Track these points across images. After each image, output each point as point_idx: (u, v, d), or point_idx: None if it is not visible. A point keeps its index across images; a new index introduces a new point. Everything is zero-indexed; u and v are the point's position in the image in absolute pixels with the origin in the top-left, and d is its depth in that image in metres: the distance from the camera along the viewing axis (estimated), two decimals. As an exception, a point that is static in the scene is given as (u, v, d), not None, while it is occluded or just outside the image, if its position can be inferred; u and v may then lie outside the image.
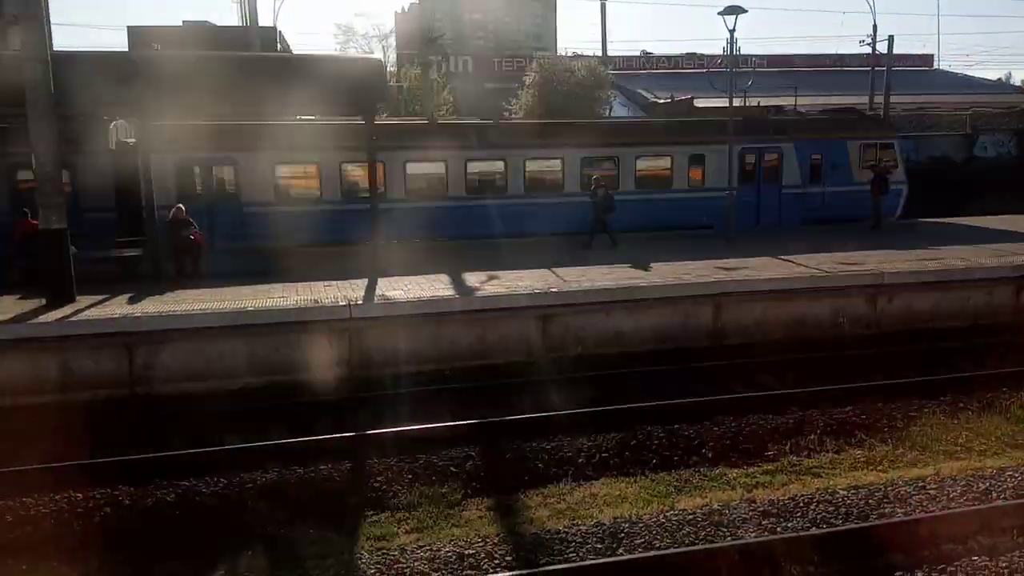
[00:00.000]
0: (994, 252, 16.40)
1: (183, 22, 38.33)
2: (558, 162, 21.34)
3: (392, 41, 67.36)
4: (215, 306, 12.09)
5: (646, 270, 14.91)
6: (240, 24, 31.85)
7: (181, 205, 15.92)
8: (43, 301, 12.34)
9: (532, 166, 21.28)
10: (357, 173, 19.63)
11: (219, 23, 37.48)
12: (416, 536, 7.07)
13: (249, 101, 16.01)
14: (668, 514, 7.24)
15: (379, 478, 8.24)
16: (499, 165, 21.11)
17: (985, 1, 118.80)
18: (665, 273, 14.46)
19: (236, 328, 11.59)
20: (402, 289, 13.26)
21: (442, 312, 12.37)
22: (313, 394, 10.90)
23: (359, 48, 55.71)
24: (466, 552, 6.64)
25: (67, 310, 11.91)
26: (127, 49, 30.73)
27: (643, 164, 21.99)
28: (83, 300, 12.49)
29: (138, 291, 13.32)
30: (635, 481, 8.15)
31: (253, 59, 20.28)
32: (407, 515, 7.50)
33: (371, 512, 7.59)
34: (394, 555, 6.65)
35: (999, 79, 59.38)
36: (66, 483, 7.93)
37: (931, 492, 7.53)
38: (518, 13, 73.97)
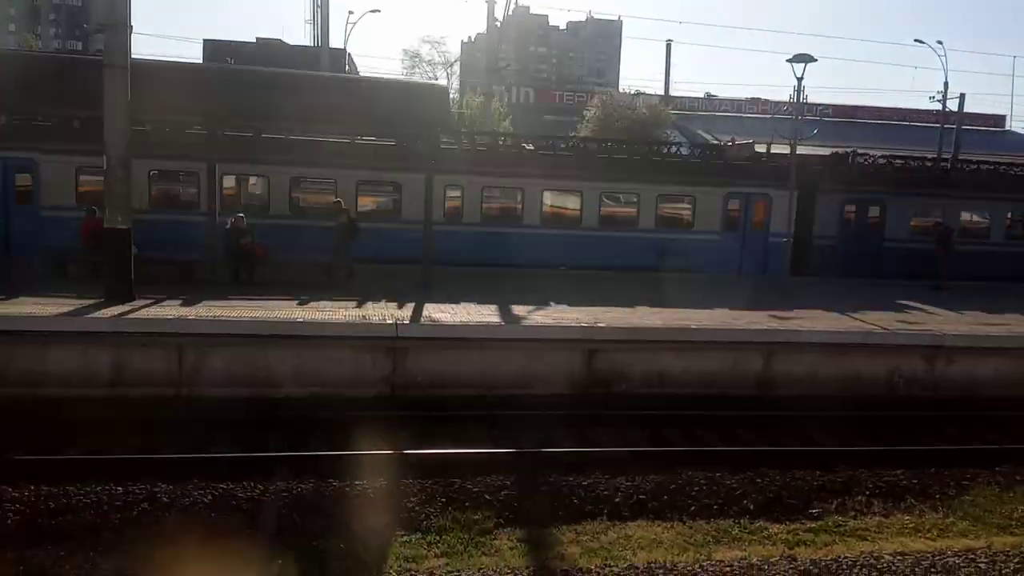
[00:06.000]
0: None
1: (256, 39, 39.61)
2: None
3: (456, 69, 68.41)
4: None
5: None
6: (311, 44, 32.85)
7: (242, 214, 16.29)
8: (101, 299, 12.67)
9: None
10: None
11: (290, 43, 38.58)
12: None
13: (319, 118, 16.36)
14: (704, 563, 7.04)
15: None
16: None
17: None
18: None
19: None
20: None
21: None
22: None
23: (424, 74, 56.52)
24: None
25: (124, 308, 12.25)
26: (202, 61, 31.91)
27: None
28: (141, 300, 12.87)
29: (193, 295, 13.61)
30: (671, 527, 7.98)
31: (324, 78, 20.78)
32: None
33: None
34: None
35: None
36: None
37: (981, 565, 7.20)
38: (582, 49, 74.65)
